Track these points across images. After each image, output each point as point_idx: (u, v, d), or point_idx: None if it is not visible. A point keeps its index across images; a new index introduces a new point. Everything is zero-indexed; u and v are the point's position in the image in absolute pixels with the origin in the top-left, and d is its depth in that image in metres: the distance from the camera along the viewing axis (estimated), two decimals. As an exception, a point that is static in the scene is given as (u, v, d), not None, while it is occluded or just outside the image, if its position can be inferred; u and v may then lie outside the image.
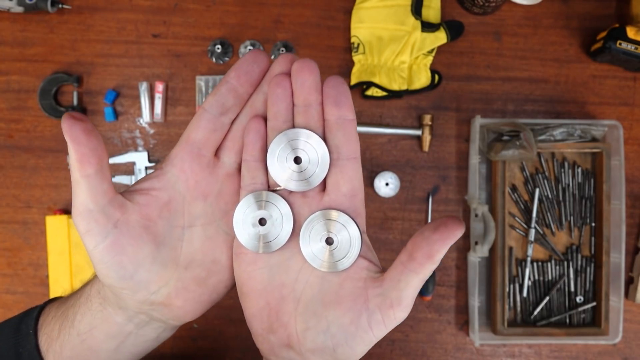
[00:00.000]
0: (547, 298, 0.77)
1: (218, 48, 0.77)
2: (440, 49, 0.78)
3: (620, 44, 0.73)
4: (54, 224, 0.75)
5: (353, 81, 0.77)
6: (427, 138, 0.77)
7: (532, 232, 0.77)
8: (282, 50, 0.78)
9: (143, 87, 0.77)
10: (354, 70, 0.77)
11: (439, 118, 0.79)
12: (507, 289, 0.75)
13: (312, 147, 0.32)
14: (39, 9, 0.76)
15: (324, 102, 0.32)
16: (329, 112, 0.32)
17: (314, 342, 0.32)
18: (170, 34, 0.78)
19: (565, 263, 0.77)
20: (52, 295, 0.76)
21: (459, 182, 0.79)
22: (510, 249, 0.77)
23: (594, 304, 0.76)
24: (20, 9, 0.75)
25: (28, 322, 0.39)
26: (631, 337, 0.78)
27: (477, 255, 0.74)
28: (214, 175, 0.35)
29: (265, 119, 0.33)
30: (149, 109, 0.77)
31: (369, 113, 0.79)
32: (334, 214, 0.32)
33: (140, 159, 0.77)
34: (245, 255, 0.34)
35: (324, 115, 0.32)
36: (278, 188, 0.34)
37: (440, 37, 0.76)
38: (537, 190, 0.77)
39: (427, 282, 0.76)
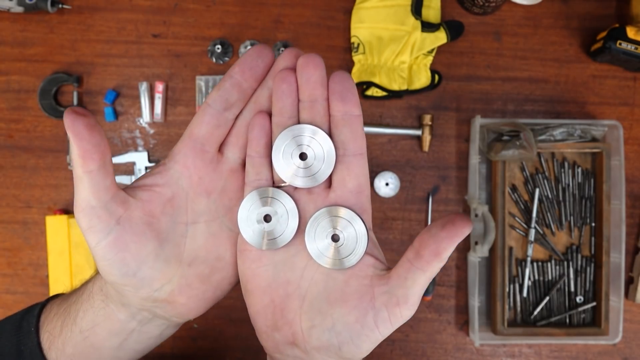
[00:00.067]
0: (547, 298, 0.77)
1: (218, 48, 0.77)
2: (440, 49, 0.78)
3: (620, 44, 0.73)
4: (54, 224, 0.75)
5: (353, 81, 0.77)
6: (427, 138, 0.77)
7: (532, 232, 0.77)
8: (282, 50, 0.78)
9: (143, 87, 0.77)
10: (354, 70, 0.77)
11: (439, 118, 0.79)
12: (507, 289, 0.75)
13: (318, 143, 0.32)
14: (39, 9, 0.75)
15: (329, 97, 0.31)
16: (335, 108, 0.31)
17: (319, 339, 0.32)
18: (170, 34, 0.78)
19: (565, 263, 0.77)
20: (51, 296, 0.75)
21: (459, 182, 0.79)
22: (510, 249, 0.77)
23: (594, 304, 0.76)
24: (20, 9, 0.75)
25: (30, 320, 0.39)
26: (631, 337, 0.78)
27: (477, 255, 0.74)
28: (218, 171, 0.34)
29: (269, 115, 0.33)
30: (149, 109, 0.77)
31: (369, 113, 0.79)
32: (340, 210, 0.32)
33: (140, 159, 0.77)
34: (249, 252, 0.34)
35: (329, 111, 0.32)
36: (283, 184, 0.33)
37: (440, 37, 0.76)
38: (537, 190, 0.77)
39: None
